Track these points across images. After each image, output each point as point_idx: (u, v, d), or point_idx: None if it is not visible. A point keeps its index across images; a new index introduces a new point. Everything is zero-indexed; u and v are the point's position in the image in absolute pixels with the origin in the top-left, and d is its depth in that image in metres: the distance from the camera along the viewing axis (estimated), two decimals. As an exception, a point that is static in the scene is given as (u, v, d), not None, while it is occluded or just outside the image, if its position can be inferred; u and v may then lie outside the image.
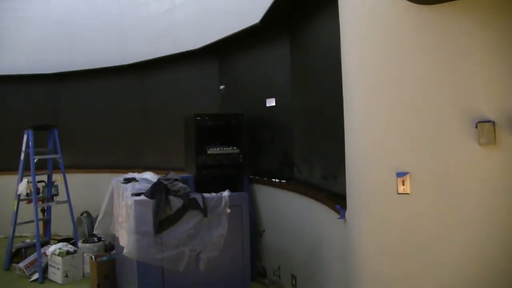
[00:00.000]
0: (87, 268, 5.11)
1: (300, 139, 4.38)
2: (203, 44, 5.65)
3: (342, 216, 3.06)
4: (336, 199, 3.40)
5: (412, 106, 2.51)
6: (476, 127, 2.35)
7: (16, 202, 5.61)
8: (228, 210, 3.23)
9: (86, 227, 6.08)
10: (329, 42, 3.54)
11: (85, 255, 5.24)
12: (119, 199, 3.74)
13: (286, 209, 4.55)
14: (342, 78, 2.93)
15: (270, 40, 4.91)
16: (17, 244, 5.79)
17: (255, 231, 4.92)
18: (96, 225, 4.35)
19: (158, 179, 3.33)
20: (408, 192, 2.52)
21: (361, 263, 2.82)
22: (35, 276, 5.20)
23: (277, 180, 4.75)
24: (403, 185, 2.52)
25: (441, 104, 2.45)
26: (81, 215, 6.26)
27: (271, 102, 4.86)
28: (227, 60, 5.77)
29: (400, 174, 2.53)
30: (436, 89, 2.46)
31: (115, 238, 4.11)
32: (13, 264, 5.54)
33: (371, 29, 2.66)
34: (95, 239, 5.46)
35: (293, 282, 4.37)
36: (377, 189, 2.68)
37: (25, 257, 5.59)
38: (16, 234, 5.73)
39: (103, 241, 5.39)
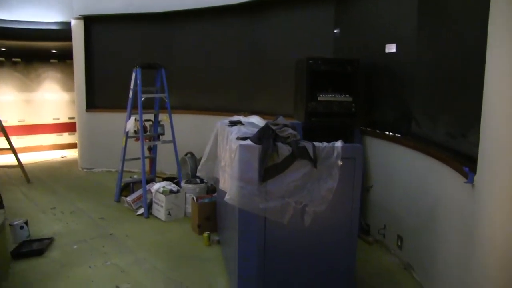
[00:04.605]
0: (189, 208, 5.20)
1: (422, 90, 3.90)
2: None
3: (470, 180, 2.66)
4: (462, 160, 2.98)
5: None
6: None
7: (124, 139, 5.79)
8: (340, 162, 2.92)
9: (189, 167, 6.16)
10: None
11: (187, 195, 5.31)
12: (223, 142, 3.60)
13: (398, 165, 4.20)
14: (489, 23, 2.43)
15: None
16: (126, 179, 6.05)
17: (363, 186, 4.61)
18: (199, 167, 4.30)
19: (266, 124, 3.08)
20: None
21: (489, 239, 2.46)
22: (141, 210, 5.40)
23: (391, 133, 4.37)
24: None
25: None
26: (185, 155, 6.35)
27: (391, 48, 4.39)
28: (344, 1, 5.31)
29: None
30: None
31: (217, 181, 4.03)
32: (122, 197, 5.81)
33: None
34: (198, 180, 5.49)
35: (399, 243, 4.10)
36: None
37: (133, 192, 5.83)
38: (125, 169, 6.00)
39: (206, 183, 5.41)
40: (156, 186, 5.42)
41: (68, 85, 10.09)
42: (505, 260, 2.40)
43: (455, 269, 2.98)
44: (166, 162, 6.67)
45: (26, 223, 4.56)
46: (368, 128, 4.79)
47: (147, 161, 6.07)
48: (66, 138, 10.41)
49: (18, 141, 9.33)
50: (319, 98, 4.57)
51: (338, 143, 2.96)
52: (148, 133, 5.96)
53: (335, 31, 5.46)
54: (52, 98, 10.28)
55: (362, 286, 3.61)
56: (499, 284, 2.44)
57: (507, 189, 2.36)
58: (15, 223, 4.49)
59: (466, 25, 3.12)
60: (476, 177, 2.60)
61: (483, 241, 2.49)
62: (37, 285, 3.65)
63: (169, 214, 5.19)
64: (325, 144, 2.97)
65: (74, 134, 9.58)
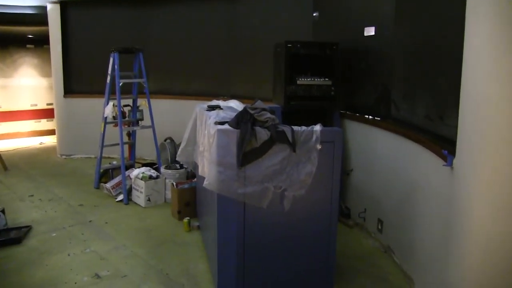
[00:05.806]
0: (169, 194, 5.16)
1: (401, 73, 3.90)
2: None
3: (449, 163, 2.66)
4: (441, 143, 2.98)
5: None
6: None
7: (102, 125, 5.71)
8: (319, 146, 2.91)
9: (169, 153, 6.11)
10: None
11: (167, 181, 5.26)
12: (202, 127, 3.56)
13: (378, 149, 4.20)
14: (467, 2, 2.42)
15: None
16: (105, 165, 5.97)
17: (343, 170, 4.63)
18: (178, 153, 4.25)
19: (244, 108, 3.05)
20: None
21: (467, 222, 2.46)
22: (120, 197, 5.35)
23: (370, 117, 4.36)
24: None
25: None
26: (165, 141, 6.29)
27: (370, 31, 4.36)
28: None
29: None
30: None
31: (196, 167, 3.99)
32: (101, 184, 5.75)
33: None
34: (178, 165, 5.45)
35: (379, 227, 4.12)
36: (500, 138, 2.26)
37: (112, 178, 5.76)
38: (105, 155, 5.93)
39: (185, 168, 5.37)
40: (136, 172, 5.36)
41: (46, 71, 9.86)
42: (483, 243, 2.40)
43: (434, 252, 3.00)
44: (145, 147, 6.60)
45: (3, 211, 4.47)
46: (347, 112, 4.78)
47: (126, 147, 5.99)
48: (44, 124, 10.21)
49: (-6, 128, 9.15)
50: (298, 82, 4.55)
51: (317, 127, 2.94)
52: (126, 118, 5.88)
53: (314, 14, 5.42)
54: (29, 84, 10.04)
55: (342, 269, 3.63)
56: (477, 267, 2.45)
57: (485, 172, 2.35)
58: (-9, 211, 4.41)
59: (444, 6, 3.11)
60: (455, 160, 2.60)
61: (462, 224, 2.49)
62: (15, 273, 3.59)
63: (149, 200, 5.15)
64: (304, 128, 2.95)
65: (52, 120, 9.39)
